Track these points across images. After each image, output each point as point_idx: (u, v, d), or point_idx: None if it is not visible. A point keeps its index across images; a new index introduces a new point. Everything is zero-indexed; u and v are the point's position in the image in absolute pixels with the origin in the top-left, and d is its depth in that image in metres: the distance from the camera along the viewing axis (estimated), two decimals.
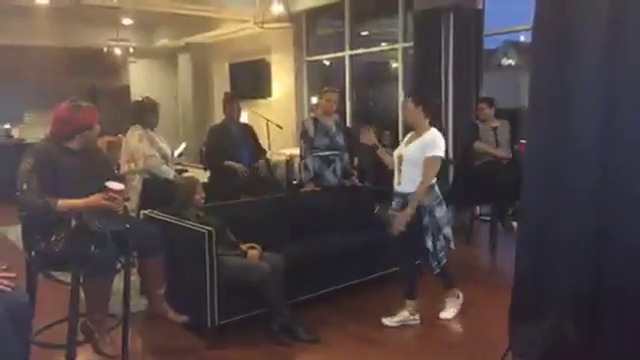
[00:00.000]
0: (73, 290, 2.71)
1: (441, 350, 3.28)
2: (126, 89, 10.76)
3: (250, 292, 3.35)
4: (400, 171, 3.57)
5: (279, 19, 7.56)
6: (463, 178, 5.59)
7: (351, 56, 8.07)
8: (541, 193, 2.51)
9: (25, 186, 2.61)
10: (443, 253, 3.52)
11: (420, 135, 3.55)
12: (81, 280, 2.69)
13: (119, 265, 2.85)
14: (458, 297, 3.78)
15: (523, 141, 5.31)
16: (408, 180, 3.50)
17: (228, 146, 4.76)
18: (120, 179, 4.20)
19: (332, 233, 4.15)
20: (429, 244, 3.43)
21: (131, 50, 9.76)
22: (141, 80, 10.77)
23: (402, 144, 3.70)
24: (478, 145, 5.32)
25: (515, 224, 5.35)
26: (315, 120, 4.72)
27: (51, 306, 2.90)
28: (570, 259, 2.40)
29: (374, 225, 4.24)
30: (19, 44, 8.60)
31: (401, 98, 7.38)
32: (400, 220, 3.41)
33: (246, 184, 4.69)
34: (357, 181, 4.95)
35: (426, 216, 3.43)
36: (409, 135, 3.70)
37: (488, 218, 5.62)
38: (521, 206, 2.70)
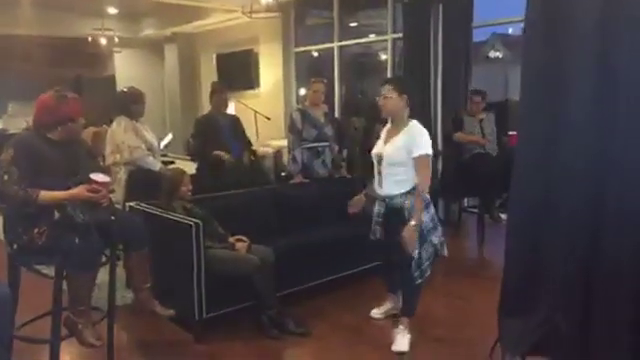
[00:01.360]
0: (56, 284, 2.64)
1: (430, 343, 3.27)
2: (111, 79, 10.59)
3: (238, 285, 3.31)
4: (380, 172, 3.16)
5: (268, 9, 7.46)
6: (451, 171, 5.59)
7: (340, 47, 8.01)
8: (531, 183, 2.49)
9: (6, 177, 2.53)
10: (428, 262, 3.10)
11: (400, 130, 3.12)
12: (64, 273, 2.62)
13: (104, 258, 2.78)
14: (406, 328, 3.20)
15: (512, 133, 5.33)
16: (391, 182, 3.11)
17: (216, 137, 4.69)
18: (105, 171, 4.17)
19: (322, 225, 4.11)
20: (415, 252, 3.02)
21: (116, 40, 9.61)
22: (127, 70, 10.63)
23: (380, 141, 3.27)
24: (459, 136, 5.33)
25: (503, 216, 5.37)
26: (303, 111, 4.69)
27: (35, 300, 2.83)
28: (560, 250, 2.39)
29: (361, 217, 4.25)
30: (2, 33, 8.41)
31: None
32: (409, 241, 2.95)
33: (233, 176, 4.64)
34: (346, 172, 4.92)
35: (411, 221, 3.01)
36: (385, 130, 3.27)
37: (476, 210, 5.62)
38: (510, 196, 2.68)
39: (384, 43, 7.50)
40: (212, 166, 4.62)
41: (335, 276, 3.98)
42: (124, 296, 3.54)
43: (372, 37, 8.10)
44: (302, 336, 3.31)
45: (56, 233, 2.57)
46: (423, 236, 3.03)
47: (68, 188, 2.63)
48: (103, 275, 2.84)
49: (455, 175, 5.46)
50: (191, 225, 3.20)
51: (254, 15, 7.56)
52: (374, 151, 3.25)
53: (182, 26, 9.71)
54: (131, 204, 3.79)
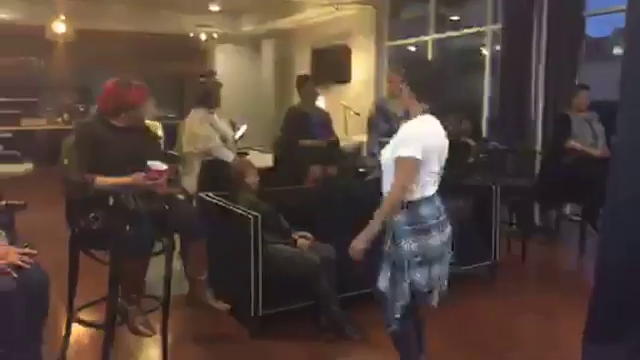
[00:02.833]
0: (111, 269, 2.64)
1: None
2: (212, 73, 10.93)
3: (298, 283, 3.16)
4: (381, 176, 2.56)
5: (361, 1, 7.27)
6: (551, 172, 5.05)
7: (435, 41, 7.62)
8: (636, 187, 2.08)
9: (66, 161, 2.57)
10: (401, 305, 2.25)
11: None
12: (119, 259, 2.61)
13: (158, 247, 2.74)
14: None
15: None
16: (386, 190, 2.40)
17: (306, 127, 4.62)
18: (179, 161, 4.21)
19: None
20: (382, 285, 2.30)
21: (216, 35, 9.88)
22: (226, 66, 10.91)
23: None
24: (572, 144, 4.78)
25: None
26: (380, 104, 4.46)
27: (94, 284, 2.86)
28: None
29: None
30: (108, 29, 8.93)
31: (487, 86, 6.87)
32: (354, 244, 2.29)
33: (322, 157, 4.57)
34: None
35: (388, 242, 2.26)
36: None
37: (577, 218, 5.05)
38: (607, 202, 2.28)
39: (484, 37, 7.02)
40: (298, 155, 4.55)
41: None
42: (181, 286, 3.49)
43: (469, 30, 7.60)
44: (360, 342, 3.08)
45: (109, 219, 2.56)
46: (402, 268, 2.22)
47: (127, 175, 2.62)
48: (160, 264, 2.80)
49: (555, 178, 4.93)
50: (251, 219, 3.09)
51: (346, 8, 7.40)
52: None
53: (279, 21, 9.79)
54: (202, 195, 3.77)
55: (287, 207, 3.57)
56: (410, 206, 2.21)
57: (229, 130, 4.30)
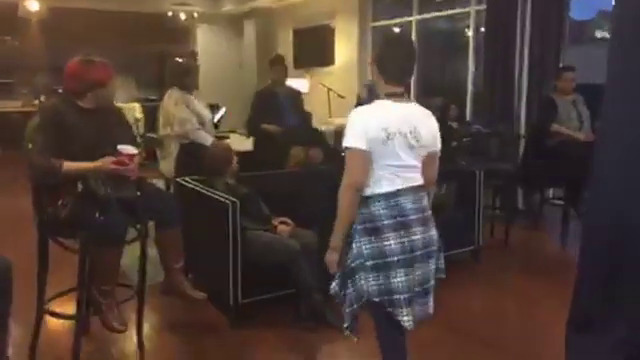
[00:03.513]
0: (81, 259, 2.53)
1: (485, 350, 2.86)
2: (194, 55, 10.71)
3: (278, 270, 3.07)
4: None
5: None
6: (534, 156, 5.01)
7: (419, 21, 7.51)
8: (621, 171, 2.02)
9: (30, 145, 2.43)
10: (348, 312, 2.02)
11: None
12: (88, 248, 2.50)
13: (132, 234, 2.64)
14: None
15: None
16: None
17: (273, 111, 4.48)
18: (158, 144, 4.07)
19: None
20: (332, 287, 2.09)
21: (196, 15, 9.64)
22: (207, 46, 10.68)
23: None
24: (556, 128, 4.73)
25: None
26: (370, 87, 4.36)
27: (65, 274, 2.75)
28: None
29: None
30: (85, 7, 8.66)
31: (471, 69, 6.79)
32: (326, 256, 2.06)
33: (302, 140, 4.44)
34: None
35: (346, 242, 2.00)
36: None
37: (561, 202, 5.03)
38: (591, 186, 2.21)
39: (467, 17, 6.92)
40: (261, 140, 4.43)
41: None
42: (157, 274, 3.39)
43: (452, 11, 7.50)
44: (342, 331, 3.01)
45: (78, 206, 2.44)
46: (352, 270, 1.97)
47: (96, 159, 2.50)
48: (134, 251, 2.70)
49: (539, 162, 4.88)
50: (228, 204, 2.99)
51: None
52: None
53: (261, 0, 9.58)
54: (179, 180, 3.65)
55: (267, 192, 3.48)
56: (363, 203, 1.94)
57: (207, 112, 4.16)
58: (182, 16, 9.44)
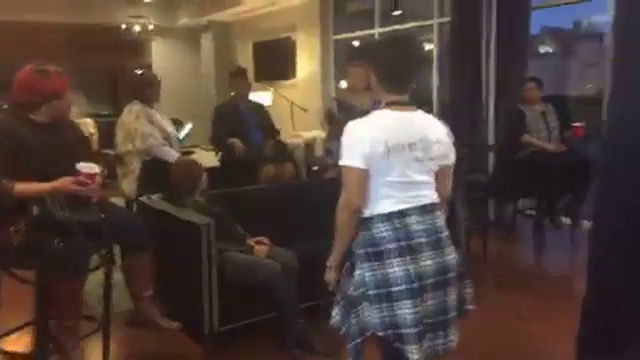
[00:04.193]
0: (38, 291, 2.24)
1: None
2: (148, 69, 10.35)
3: (257, 294, 2.85)
4: None
5: None
6: (505, 168, 4.98)
7: (381, 34, 7.46)
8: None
9: None
10: (351, 347, 1.80)
11: None
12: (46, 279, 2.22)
13: (95, 261, 2.37)
14: None
15: (577, 124, 4.69)
16: None
17: (236, 126, 4.26)
18: (117, 161, 3.78)
19: None
20: (334, 318, 1.88)
21: (151, 27, 9.32)
22: (163, 60, 10.34)
23: None
24: (527, 139, 4.71)
25: (565, 220, 4.74)
26: (340, 100, 4.22)
27: (17, 309, 2.45)
28: None
29: None
30: (33, 20, 8.22)
31: (436, 82, 6.77)
32: (325, 275, 1.92)
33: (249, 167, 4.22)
34: None
35: (345, 266, 1.84)
36: None
37: (533, 212, 5.00)
38: (599, 195, 2.09)
39: (430, 33, 6.90)
40: (225, 157, 4.20)
41: None
42: (123, 301, 3.09)
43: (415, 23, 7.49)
44: (329, 357, 2.81)
45: (34, 232, 2.16)
46: (347, 298, 1.79)
47: (53, 179, 2.23)
48: (97, 277, 2.43)
49: (511, 173, 4.84)
50: (201, 225, 2.75)
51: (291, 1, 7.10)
52: None
53: (218, 14, 9.36)
54: (142, 199, 3.38)
55: (240, 210, 3.25)
56: (364, 224, 1.75)
57: (171, 127, 3.91)
58: (136, 29, 9.09)
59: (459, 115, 5.88)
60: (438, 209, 1.80)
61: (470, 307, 1.89)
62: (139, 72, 4.07)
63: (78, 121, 8.07)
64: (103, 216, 2.32)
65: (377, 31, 7.47)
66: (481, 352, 2.89)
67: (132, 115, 3.69)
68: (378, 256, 1.72)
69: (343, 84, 7.84)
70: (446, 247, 1.78)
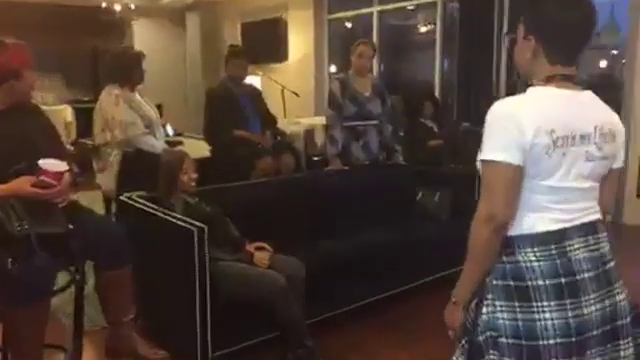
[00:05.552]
0: None
1: None
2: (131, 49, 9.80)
3: (257, 311, 2.43)
4: None
5: None
6: None
7: (380, 12, 7.00)
8: None
9: None
10: None
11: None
12: None
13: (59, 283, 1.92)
14: None
15: None
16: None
17: (233, 114, 3.80)
18: (94, 153, 3.32)
19: (366, 227, 3.17)
20: None
21: (132, 6, 8.76)
22: (145, 41, 9.75)
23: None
24: None
25: None
26: (344, 81, 3.77)
27: None
28: None
29: (416, 216, 3.49)
30: (11, 0, 7.66)
31: (439, 65, 6.34)
32: (446, 317, 1.42)
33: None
34: (402, 159, 3.96)
35: (472, 303, 1.36)
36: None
37: None
38: None
39: (431, 12, 6.45)
40: (229, 149, 3.74)
41: (384, 294, 3.05)
42: (96, 319, 2.64)
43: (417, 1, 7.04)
44: None
45: None
46: (475, 347, 1.31)
47: (7, 180, 1.78)
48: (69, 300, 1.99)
49: None
50: (192, 231, 2.31)
51: None
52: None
53: None
54: (123, 197, 2.92)
55: (235, 210, 2.82)
56: (506, 247, 1.28)
57: (154, 113, 3.44)
58: (117, 8, 8.52)
59: (472, 97, 5.56)
60: (603, 229, 1.34)
61: None
62: (119, 50, 3.55)
63: (55, 108, 7.62)
64: (71, 226, 1.87)
65: (375, 9, 7.02)
66: None
67: (111, 100, 3.21)
68: (523, 294, 1.24)
69: (333, 68, 7.40)
70: (614, 282, 1.32)
